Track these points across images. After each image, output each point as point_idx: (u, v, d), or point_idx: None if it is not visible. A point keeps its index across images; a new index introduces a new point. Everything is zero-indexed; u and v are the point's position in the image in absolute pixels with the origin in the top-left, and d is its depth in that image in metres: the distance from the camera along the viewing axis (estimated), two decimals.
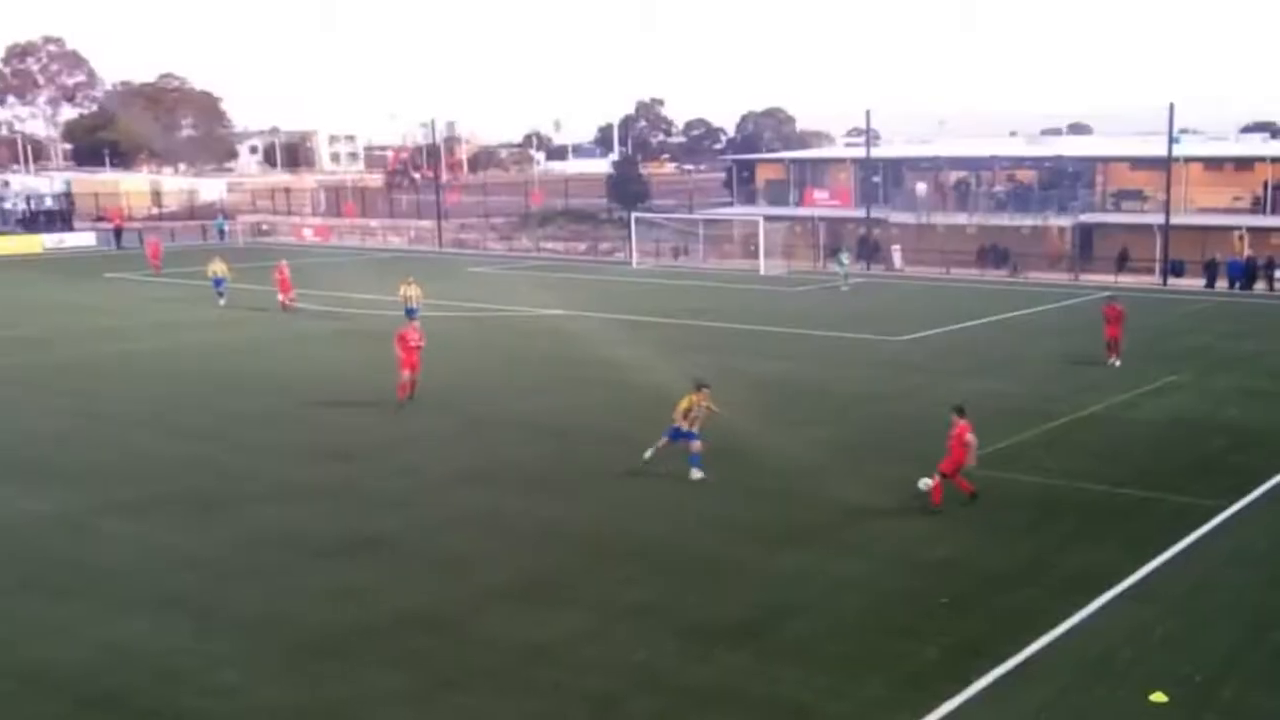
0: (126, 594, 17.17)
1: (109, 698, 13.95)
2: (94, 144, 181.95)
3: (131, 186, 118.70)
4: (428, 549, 19.01)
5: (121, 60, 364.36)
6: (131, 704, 13.80)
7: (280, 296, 48.00)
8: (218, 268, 50.86)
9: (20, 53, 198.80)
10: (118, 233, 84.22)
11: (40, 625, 16.10)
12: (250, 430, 27.14)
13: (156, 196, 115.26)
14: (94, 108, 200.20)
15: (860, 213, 70.73)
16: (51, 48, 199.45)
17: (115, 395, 31.41)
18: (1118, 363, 34.39)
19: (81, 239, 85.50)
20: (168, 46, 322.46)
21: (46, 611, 16.57)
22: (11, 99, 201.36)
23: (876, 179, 73.34)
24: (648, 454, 22.93)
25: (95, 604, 16.80)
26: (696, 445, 22.57)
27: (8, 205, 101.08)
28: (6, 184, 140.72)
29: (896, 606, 16.54)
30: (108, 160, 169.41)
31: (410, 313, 38.27)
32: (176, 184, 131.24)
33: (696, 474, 22.45)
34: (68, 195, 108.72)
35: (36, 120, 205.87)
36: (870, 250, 67.21)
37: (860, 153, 74.32)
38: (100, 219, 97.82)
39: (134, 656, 15.04)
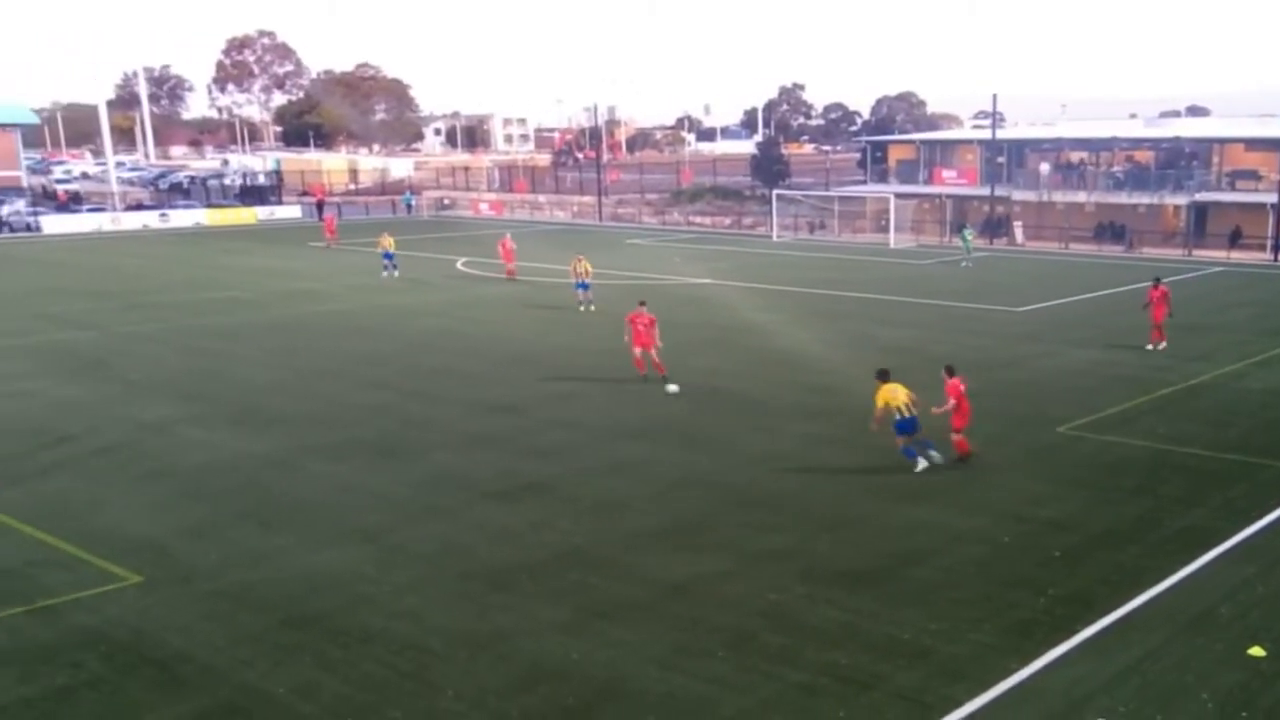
0: (325, 527, 17.81)
1: (308, 619, 14.51)
2: (300, 127, 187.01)
3: (332, 165, 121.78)
4: (585, 493, 19.29)
5: (325, 51, 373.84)
6: (327, 624, 14.34)
7: (507, 266, 47.67)
8: (387, 242, 50.61)
9: (239, 45, 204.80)
10: (319, 206, 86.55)
11: (252, 552, 16.80)
12: (432, 383, 27.78)
13: (353, 174, 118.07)
14: (300, 95, 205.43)
15: (985, 191, 69.04)
16: (265, 40, 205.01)
17: (317, 350, 32.42)
18: (1163, 345, 30.99)
19: (289, 211, 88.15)
20: (365, 38, 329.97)
21: (258, 540, 17.29)
22: (231, 87, 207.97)
23: (1001, 159, 71.38)
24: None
25: (298, 536, 17.46)
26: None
27: (227, 181, 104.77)
28: (226, 162, 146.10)
29: (1010, 560, 16.26)
30: (312, 141, 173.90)
31: (582, 286, 38.50)
32: (370, 163, 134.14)
33: (923, 463, 20.14)
34: (278, 173, 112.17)
35: (252, 106, 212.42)
36: (994, 226, 65.54)
37: (986, 134, 72.35)
38: (304, 194, 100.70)
39: (329, 583, 15.61)
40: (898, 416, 20.20)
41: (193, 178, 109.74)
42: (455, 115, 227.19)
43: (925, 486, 19.51)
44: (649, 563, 16.16)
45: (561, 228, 78.92)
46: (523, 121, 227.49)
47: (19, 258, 59.48)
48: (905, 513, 18.22)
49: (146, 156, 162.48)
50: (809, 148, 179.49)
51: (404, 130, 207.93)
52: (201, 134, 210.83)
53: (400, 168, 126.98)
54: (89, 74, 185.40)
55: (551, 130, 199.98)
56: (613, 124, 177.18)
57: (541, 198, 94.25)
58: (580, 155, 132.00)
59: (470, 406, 25.42)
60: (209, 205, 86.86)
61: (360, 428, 23.66)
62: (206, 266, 55.12)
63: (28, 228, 76.12)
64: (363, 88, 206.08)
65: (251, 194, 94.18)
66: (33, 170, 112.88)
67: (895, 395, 20.29)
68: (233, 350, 32.61)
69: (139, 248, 64.86)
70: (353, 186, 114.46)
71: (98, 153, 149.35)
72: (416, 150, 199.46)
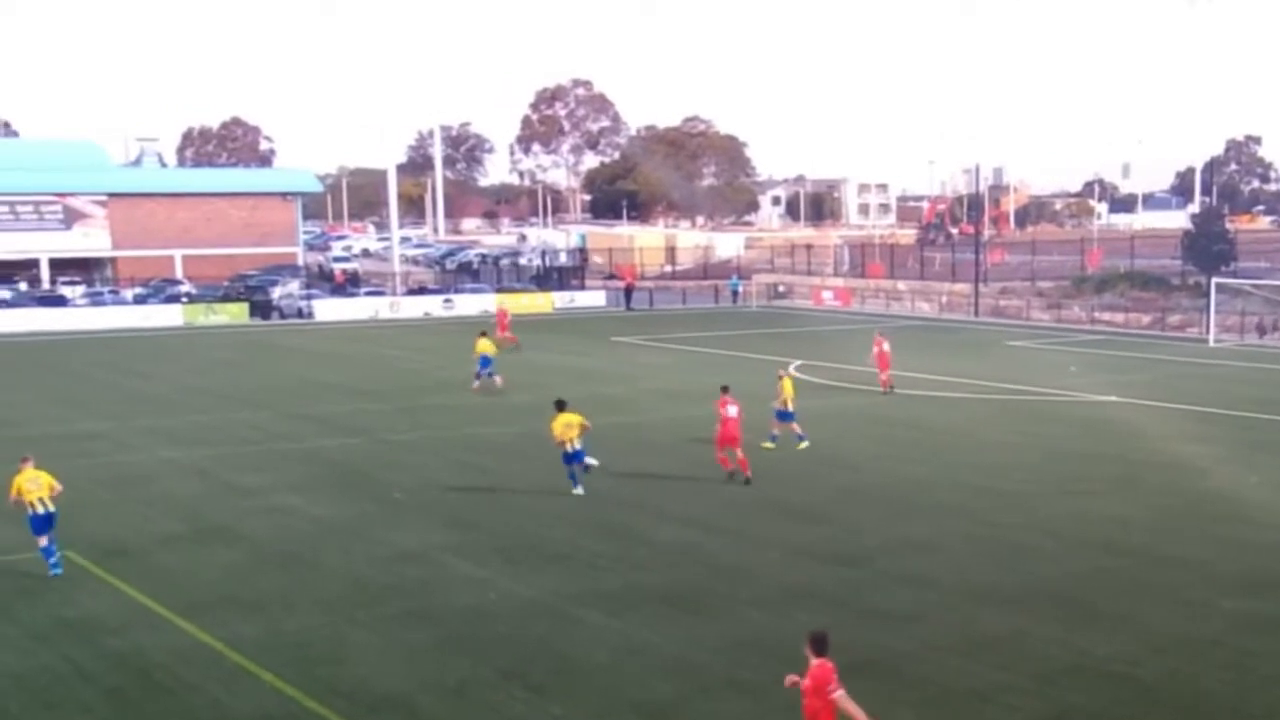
0: (603, 696, 17.99)
1: None
2: (612, 195, 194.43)
3: (646, 241, 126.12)
4: (942, 677, 18.67)
5: (647, 103, 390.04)
6: None
7: (880, 375, 46.85)
8: (485, 346, 49.37)
9: (549, 97, 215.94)
10: (628, 292, 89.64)
11: None
12: (747, 520, 27.84)
13: (670, 252, 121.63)
14: (616, 155, 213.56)
15: None
16: (580, 91, 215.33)
17: (611, 472, 33.17)
18: None
19: (591, 298, 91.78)
20: (694, 87, 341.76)
21: (524, 708, 17.63)
22: (536, 147, 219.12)
23: None
24: None
25: (572, 705, 17.70)
26: None
27: (523, 260, 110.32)
28: (524, 238, 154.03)
29: None
30: (625, 212, 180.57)
31: (784, 416, 35.87)
32: (692, 239, 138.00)
33: None
34: (582, 250, 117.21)
35: (559, 170, 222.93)
36: None
37: None
38: (612, 276, 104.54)
39: None
40: None
41: (484, 256, 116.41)
42: (799, 180, 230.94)
43: None
44: None
45: (923, 323, 78.24)
46: (883, 188, 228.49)
47: (288, 347, 64.41)
48: None
49: (435, 231, 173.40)
50: (1265, 221, 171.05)
51: (735, 199, 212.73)
52: (498, 203, 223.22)
53: (728, 245, 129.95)
54: (379, 134, 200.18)
55: (919, 199, 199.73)
56: (998, 190, 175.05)
57: (901, 284, 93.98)
58: (954, 230, 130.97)
59: (792, 552, 25.29)
60: (499, 289, 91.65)
61: (653, 572, 23.93)
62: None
63: (299, 313, 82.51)
64: (689, 146, 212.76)
65: (550, 276, 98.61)
66: (310, 246, 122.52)
67: None
68: (511, 467, 33.86)
69: (418, 339, 69.01)
70: (668, 268, 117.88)
71: (382, 226, 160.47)
72: (749, 224, 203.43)
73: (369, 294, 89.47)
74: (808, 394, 47.36)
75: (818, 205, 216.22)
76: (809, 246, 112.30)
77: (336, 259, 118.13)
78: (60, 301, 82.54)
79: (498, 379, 47.68)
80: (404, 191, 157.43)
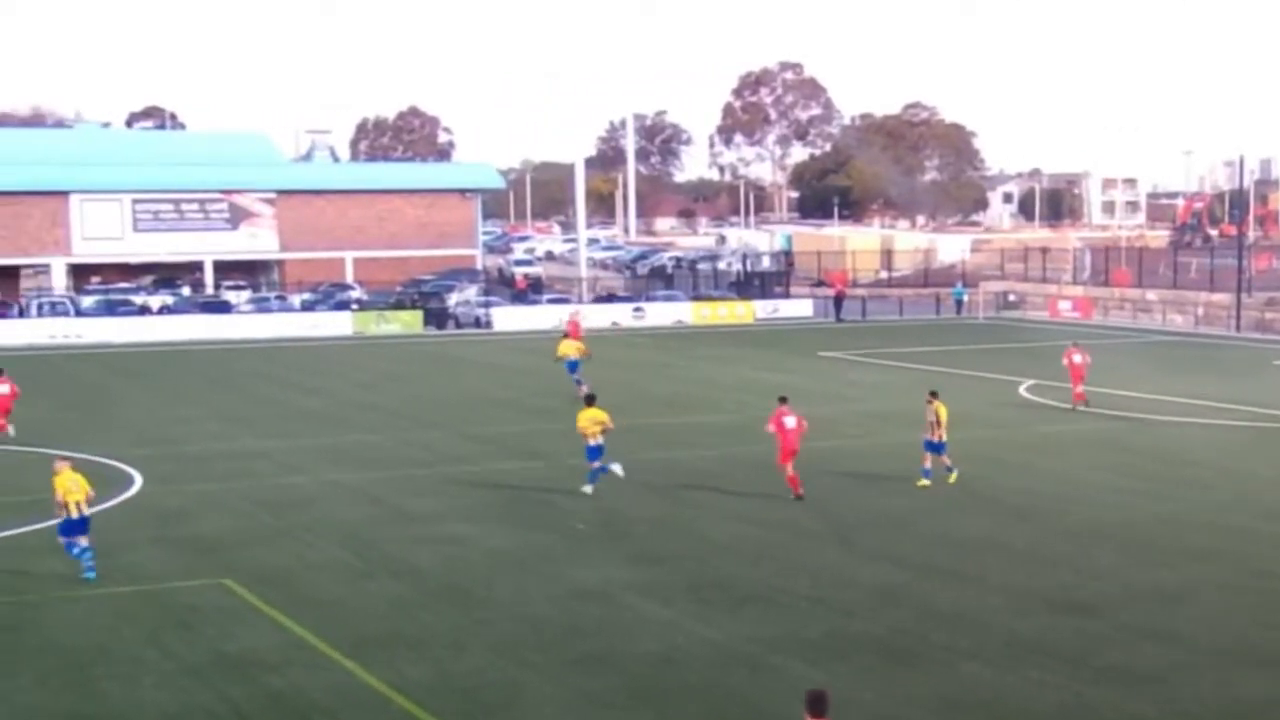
0: None
1: None
2: (822, 191, 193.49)
3: (859, 244, 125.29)
4: None
5: (863, 88, 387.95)
6: None
7: (1075, 389, 47.48)
8: (567, 348, 52.52)
9: (753, 82, 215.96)
10: (838, 301, 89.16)
11: None
12: (965, 559, 27.50)
13: (886, 256, 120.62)
14: (826, 147, 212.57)
15: None
16: (788, 75, 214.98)
17: (815, 502, 33.00)
18: None
19: (796, 307, 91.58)
20: (916, 70, 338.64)
21: None
22: (739, 138, 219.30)
23: None
24: None
25: None
26: None
27: (723, 265, 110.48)
28: (723, 239, 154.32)
29: None
30: (835, 211, 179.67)
31: (934, 448, 34.84)
32: (911, 240, 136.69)
33: None
34: (787, 254, 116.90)
35: (763, 163, 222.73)
36: None
37: None
38: (820, 283, 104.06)
39: None
40: None
41: (679, 260, 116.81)
42: (1033, 175, 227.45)
43: None
44: None
45: (1175, 338, 76.35)
46: (1130, 183, 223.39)
47: (462, 359, 65.65)
48: None
49: (626, 231, 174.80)
50: None
51: (961, 195, 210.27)
52: (695, 201, 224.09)
53: (951, 248, 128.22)
54: (567, 125, 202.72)
55: (1172, 196, 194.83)
56: (1266, 185, 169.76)
57: (1151, 294, 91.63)
58: (1213, 232, 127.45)
59: (1019, 598, 24.90)
60: (695, 297, 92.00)
61: (860, 617, 23.76)
62: (684, 380, 58.11)
63: (476, 322, 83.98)
64: (910, 136, 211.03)
65: (751, 283, 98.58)
66: (490, 248, 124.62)
67: None
68: (705, 498, 33.94)
69: (605, 351, 69.49)
70: (884, 274, 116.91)
71: (568, 226, 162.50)
72: (976, 224, 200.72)
73: (552, 301, 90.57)
74: (1040, 418, 46.62)
75: (1055, 203, 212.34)
76: (1044, 250, 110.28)
77: (518, 262, 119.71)
78: (224, 308, 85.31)
79: (583, 386, 48.66)
80: (593, 188, 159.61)
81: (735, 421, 45.80)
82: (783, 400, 34.01)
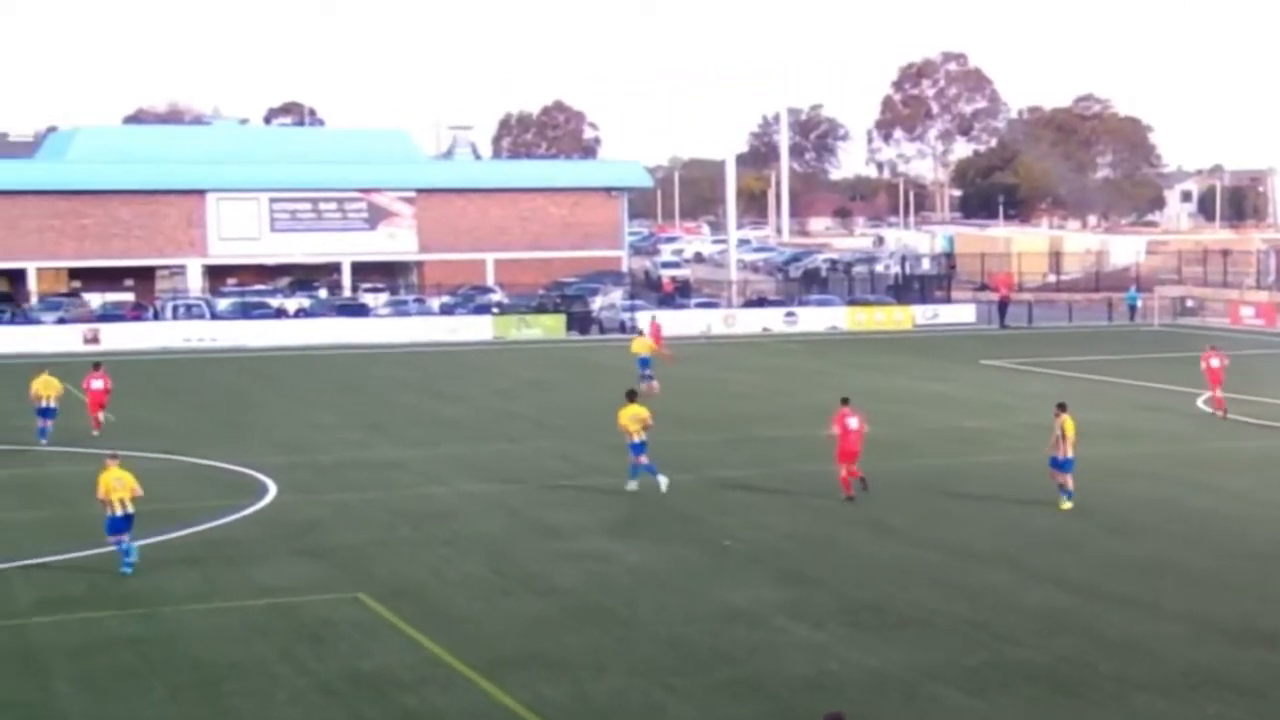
0: None
1: None
2: (986, 190, 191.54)
3: (1025, 245, 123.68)
4: None
5: (1031, 80, 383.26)
6: None
7: (1213, 394, 48.02)
8: (641, 345, 56.06)
9: (915, 74, 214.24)
10: (1002, 306, 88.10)
11: None
12: (1137, 584, 27.01)
13: (1055, 258, 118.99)
14: (992, 142, 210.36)
15: None
16: (951, 66, 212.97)
17: (974, 518, 32.68)
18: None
19: (958, 313, 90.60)
20: (1088, 60, 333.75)
21: None
22: (899, 133, 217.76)
23: None
24: None
25: None
26: None
27: (880, 267, 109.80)
28: (881, 240, 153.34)
29: None
30: (1000, 210, 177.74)
31: (1062, 465, 33.58)
32: (1081, 242, 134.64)
33: None
34: (948, 256, 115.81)
35: (923, 160, 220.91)
36: None
37: None
38: (984, 287, 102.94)
39: None
40: None
41: (834, 262, 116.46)
42: (1215, 171, 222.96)
43: None
44: None
45: None
46: None
47: (606, 366, 65.83)
48: None
49: (778, 232, 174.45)
50: None
51: (1135, 194, 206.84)
52: (852, 200, 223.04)
53: (1124, 250, 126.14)
54: (718, 120, 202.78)
55: None
56: None
57: None
58: None
59: (1197, 625, 24.45)
60: (850, 301, 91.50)
61: (1024, 645, 23.45)
62: (838, 388, 57.22)
63: (621, 327, 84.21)
64: (1081, 131, 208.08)
65: (910, 286, 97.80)
66: (636, 249, 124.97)
67: None
68: (856, 512, 33.74)
69: (755, 359, 69.57)
70: (1052, 277, 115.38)
71: (718, 226, 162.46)
72: (1151, 224, 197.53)
73: (700, 305, 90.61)
74: (1217, 432, 45.66)
75: (1237, 202, 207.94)
76: (1225, 252, 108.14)
77: (665, 264, 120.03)
78: (362, 311, 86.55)
79: (654, 384, 52.59)
80: (744, 186, 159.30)
81: (891, 435, 45.36)
82: (844, 401, 35.84)
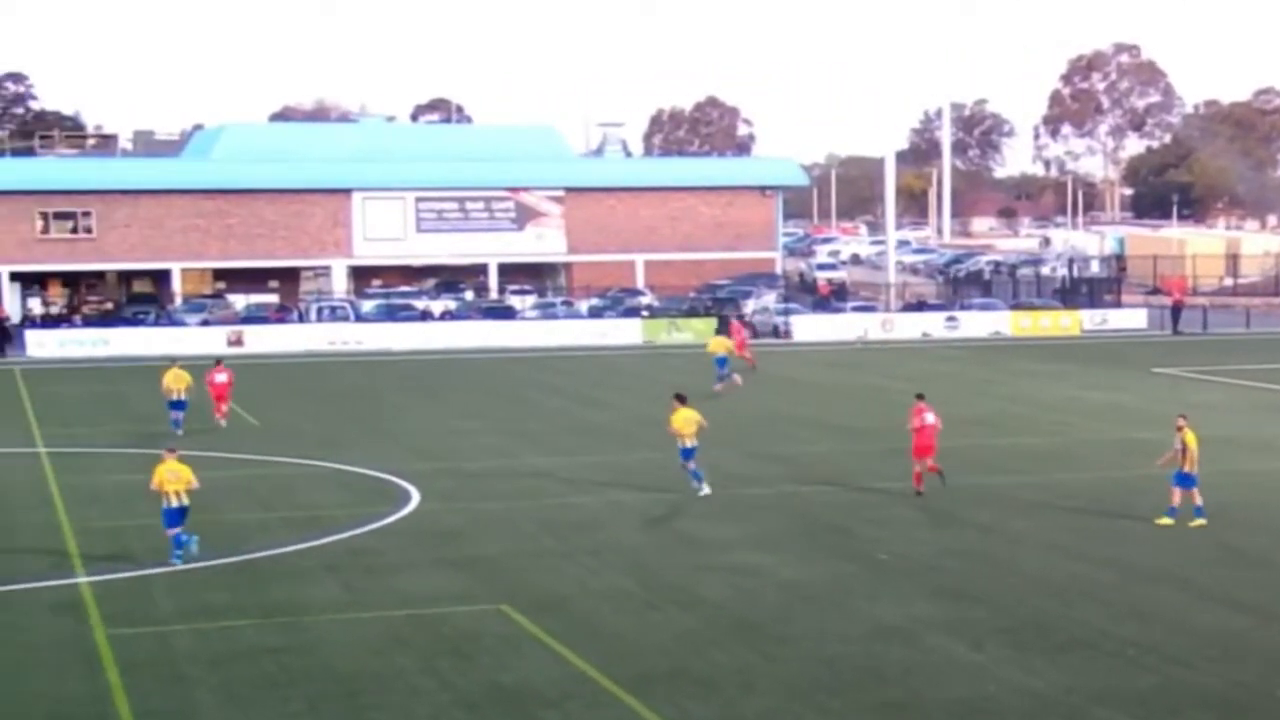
0: None
1: None
2: (1159, 188, 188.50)
3: (1201, 247, 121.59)
4: None
5: (1208, 72, 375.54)
6: None
7: None
8: (718, 344, 59.03)
9: (1084, 67, 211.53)
10: (1175, 311, 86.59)
11: None
12: None
13: (1232, 261, 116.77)
14: (1166, 138, 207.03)
15: None
16: (1123, 59, 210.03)
17: (1139, 536, 32.15)
18: None
19: (1128, 318, 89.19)
20: (1269, 51, 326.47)
21: None
22: (1067, 129, 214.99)
23: None
24: None
25: None
26: None
27: (1046, 269, 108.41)
28: (1047, 242, 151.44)
29: None
30: (1174, 210, 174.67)
31: (1185, 481, 32.95)
32: (1261, 243, 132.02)
33: None
34: (1119, 258, 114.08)
35: (1093, 157, 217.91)
36: None
37: None
38: (1156, 291, 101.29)
39: None
40: None
41: (997, 264, 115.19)
42: None
43: None
44: None
45: None
46: None
47: (759, 372, 65.76)
48: None
49: (939, 232, 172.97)
50: None
51: None
52: (1017, 199, 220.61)
53: None
54: (877, 115, 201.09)
55: None
56: None
57: None
58: None
59: None
60: (1014, 305, 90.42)
61: (1196, 668, 23.02)
62: (1000, 396, 57.19)
63: (775, 331, 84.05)
64: (1260, 127, 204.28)
65: (1078, 290, 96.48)
66: (790, 251, 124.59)
67: None
68: (1020, 525, 33.40)
69: (914, 364, 68.98)
70: (1229, 281, 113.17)
71: (876, 227, 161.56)
72: None
73: (857, 309, 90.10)
74: None
75: None
76: None
77: (821, 266, 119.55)
78: (508, 314, 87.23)
79: (736, 379, 56.37)
80: (903, 185, 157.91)
81: (1057, 445, 44.94)
82: (920, 396, 37.39)
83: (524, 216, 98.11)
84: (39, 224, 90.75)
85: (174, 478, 29.12)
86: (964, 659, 23.68)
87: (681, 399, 37.35)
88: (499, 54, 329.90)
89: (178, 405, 46.78)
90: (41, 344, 76.30)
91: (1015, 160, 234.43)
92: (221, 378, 48.40)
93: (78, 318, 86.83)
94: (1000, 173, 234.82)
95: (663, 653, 24.03)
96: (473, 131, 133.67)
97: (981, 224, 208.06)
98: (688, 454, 36.61)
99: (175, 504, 29.03)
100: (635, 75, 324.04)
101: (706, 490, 36.41)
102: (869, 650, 24.12)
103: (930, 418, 36.23)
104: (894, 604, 26.86)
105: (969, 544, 31.86)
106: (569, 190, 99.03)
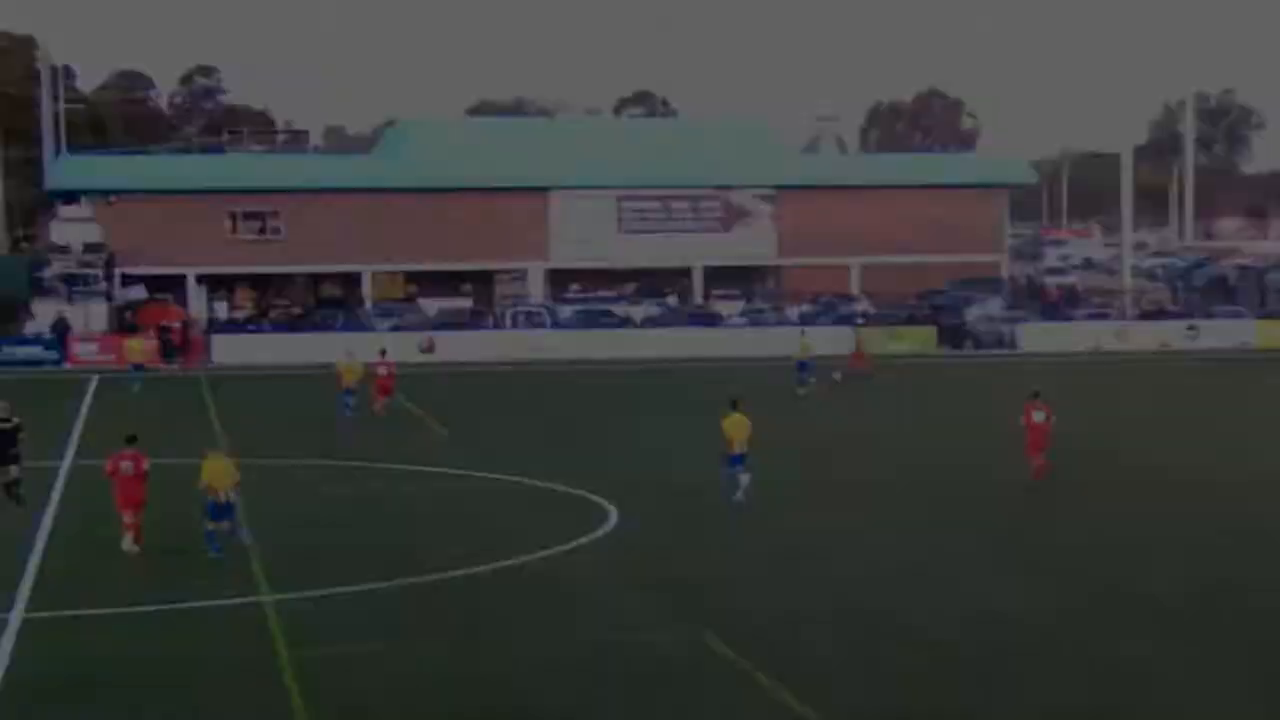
0: None
1: None
2: None
3: None
4: None
5: None
6: None
7: None
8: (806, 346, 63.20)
9: None
10: None
11: None
12: None
13: None
14: None
15: None
16: None
17: None
18: None
19: None
20: None
21: None
22: None
23: None
24: None
25: None
26: None
27: None
28: None
29: None
30: None
31: None
32: None
33: None
34: None
35: None
36: None
37: None
38: None
39: None
40: None
41: (1244, 269, 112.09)
42: None
43: None
44: None
45: None
46: None
47: (978, 384, 64.75)
48: None
49: (1180, 235, 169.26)
50: None
51: None
52: (1267, 198, 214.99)
53: None
54: (1113, 108, 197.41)
55: None
56: None
57: None
58: None
59: None
60: (1263, 314, 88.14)
61: None
62: (1247, 416, 55.65)
63: (999, 341, 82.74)
64: None
65: None
66: (1017, 254, 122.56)
67: None
68: (1257, 561, 32.48)
69: (1150, 377, 67.63)
70: None
71: (1111, 229, 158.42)
72: None
73: (1089, 317, 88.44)
74: None
75: None
76: None
77: (1050, 270, 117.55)
78: (714, 320, 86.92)
79: (818, 386, 61.05)
80: (1142, 183, 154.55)
81: None
82: (1035, 395, 39.96)
83: (731, 216, 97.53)
84: (227, 224, 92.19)
85: (224, 476, 31.39)
86: (1208, 699, 22.95)
87: (734, 404, 38.61)
88: (707, 44, 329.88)
89: (349, 393, 52.85)
90: (229, 350, 77.89)
91: (1266, 155, 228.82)
92: (382, 371, 54.08)
93: (265, 322, 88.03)
94: (1249, 169, 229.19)
95: (882, 692, 23.38)
96: (678, 126, 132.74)
97: (1228, 225, 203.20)
98: (736, 461, 37.55)
99: (223, 499, 31.25)
100: (852, 65, 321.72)
101: (740, 498, 37.37)
102: (1102, 690, 23.47)
103: (1039, 416, 39.25)
104: (1131, 641, 26.14)
105: (1209, 576, 30.91)
106: (780, 188, 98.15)
